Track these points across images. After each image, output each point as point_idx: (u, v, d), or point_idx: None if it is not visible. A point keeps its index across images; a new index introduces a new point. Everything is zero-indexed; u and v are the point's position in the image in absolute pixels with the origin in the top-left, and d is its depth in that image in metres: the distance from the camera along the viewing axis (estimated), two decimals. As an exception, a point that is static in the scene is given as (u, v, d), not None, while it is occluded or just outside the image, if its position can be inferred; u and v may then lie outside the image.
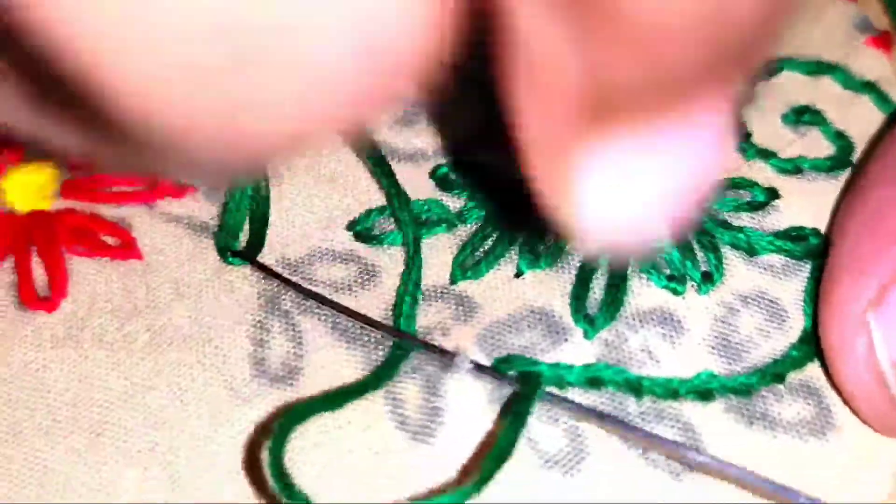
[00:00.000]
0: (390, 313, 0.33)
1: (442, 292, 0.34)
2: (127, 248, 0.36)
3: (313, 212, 0.36)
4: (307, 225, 0.36)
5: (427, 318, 0.33)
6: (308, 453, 0.31)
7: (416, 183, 0.37)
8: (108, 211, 0.36)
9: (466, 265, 0.34)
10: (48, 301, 0.35)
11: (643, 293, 0.34)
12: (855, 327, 0.30)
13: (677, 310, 0.33)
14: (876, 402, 0.30)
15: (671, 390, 0.32)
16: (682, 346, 0.33)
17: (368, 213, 0.36)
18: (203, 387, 0.32)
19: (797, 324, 0.34)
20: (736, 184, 0.36)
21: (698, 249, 0.35)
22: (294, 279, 0.34)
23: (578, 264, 0.34)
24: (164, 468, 0.31)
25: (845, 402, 0.31)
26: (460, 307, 0.33)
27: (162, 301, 0.34)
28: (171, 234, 0.36)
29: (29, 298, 0.35)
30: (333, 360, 0.32)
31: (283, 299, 0.34)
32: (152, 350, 0.33)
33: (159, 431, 0.32)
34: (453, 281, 0.34)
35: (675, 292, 0.33)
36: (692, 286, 0.34)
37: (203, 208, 0.36)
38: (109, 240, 0.36)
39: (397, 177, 0.37)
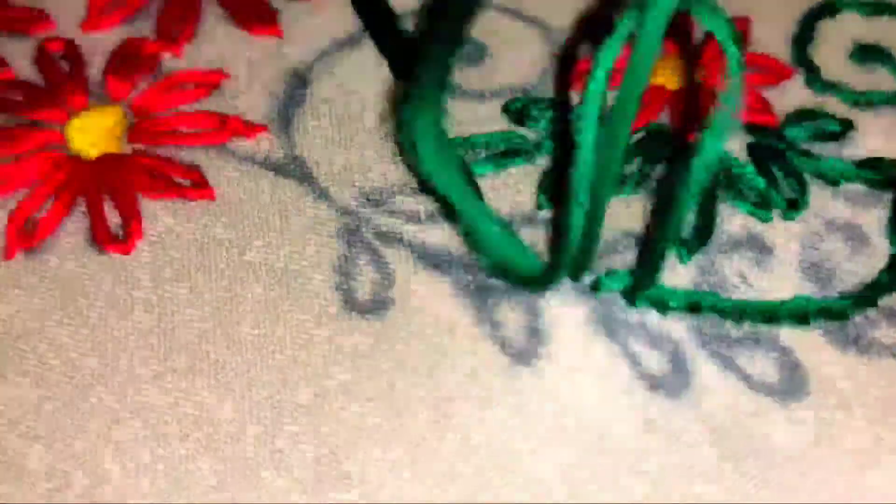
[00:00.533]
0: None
1: (530, 219, 0.33)
2: (200, 188, 0.34)
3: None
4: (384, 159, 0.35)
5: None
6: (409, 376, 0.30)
7: (487, 118, 0.36)
8: (179, 153, 0.35)
9: (551, 192, 0.33)
10: (124, 242, 0.33)
11: (731, 220, 0.33)
12: None
13: (766, 235, 0.33)
14: None
15: (769, 314, 0.31)
16: (774, 271, 0.32)
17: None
18: (291, 320, 0.31)
19: (882, 250, 0.33)
20: (810, 114, 0.36)
21: (782, 178, 0.34)
22: (376, 212, 0.33)
23: (663, 188, 0.34)
24: (258, 398, 0.30)
25: None
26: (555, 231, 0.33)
27: (240, 237, 0.33)
28: (244, 174, 0.35)
29: (104, 239, 0.34)
30: (422, 287, 0.32)
31: (365, 231, 0.33)
32: (235, 284, 0.32)
33: (252, 364, 0.31)
34: (540, 207, 0.33)
35: (762, 218, 0.33)
36: (778, 213, 0.33)
37: (275, 146, 0.35)
38: (182, 181, 0.35)
39: (465, 114, 0.36)
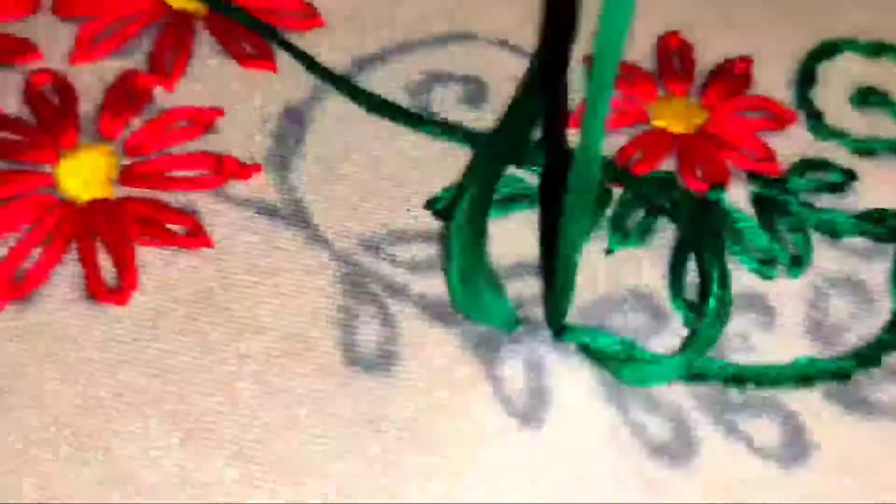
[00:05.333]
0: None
1: (534, 268, 0.31)
2: (195, 236, 0.32)
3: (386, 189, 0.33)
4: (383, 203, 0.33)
5: (517, 291, 0.31)
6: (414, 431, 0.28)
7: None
8: (172, 197, 0.33)
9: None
10: (118, 293, 0.31)
11: (735, 277, 0.32)
12: None
13: (769, 295, 0.31)
14: None
15: (772, 378, 0.30)
16: (777, 331, 0.31)
17: (447, 188, 0.33)
18: (292, 377, 0.29)
19: (885, 305, 0.32)
20: (813, 164, 0.34)
21: (786, 232, 0.32)
22: (376, 261, 0.31)
23: (672, 242, 0.32)
24: (257, 465, 0.28)
25: None
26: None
27: (239, 289, 0.31)
28: (241, 219, 0.32)
29: (98, 290, 0.31)
30: (428, 340, 0.30)
31: (368, 282, 0.31)
32: (233, 339, 0.30)
33: (249, 430, 0.29)
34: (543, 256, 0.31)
35: (766, 276, 0.31)
36: (782, 270, 0.32)
37: (271, 189, 0.33)
38: (177, 228, 0.32)
39: (465, 154, 0.34)
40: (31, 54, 0.36)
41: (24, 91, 0.35)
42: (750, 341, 0.30)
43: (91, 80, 0.35)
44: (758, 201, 0.33)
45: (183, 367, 0.29)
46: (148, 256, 0.32)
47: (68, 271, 0.31)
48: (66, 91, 0.35)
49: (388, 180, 0.33)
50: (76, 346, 0.30)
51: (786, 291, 0.31)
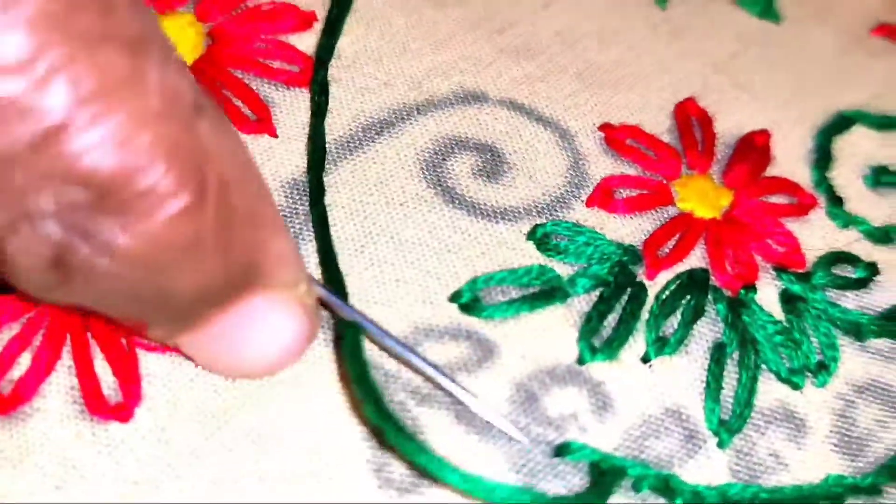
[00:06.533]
0: (515, 394, 0.29)
1: (572, 375, 0.30)
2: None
3: (408, 280, 0.31)
4: (404, 297, 0.30)
5: (558, 405, 0.29)
6: None
7: (510, 246, 0.32)
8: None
9: (595, 344, 0.30)
10: (119, 409, 0.28)
11: (765, 390, 0.31)
12: None
13: (798, 406, 0.31)
14: None
15: (803, 500, 0.29)
16: (807, 447, 0.30)
17: (473, 281, 0.31)
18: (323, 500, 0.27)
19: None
20: (838, 258, 0.34)
21: (812, 335, 0.32)
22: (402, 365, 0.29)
23: (708, 350, 0.31)
24: None
25: None
26: (596, 397, 0.29)
27: (255, 400, 0.28)
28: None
29: (97, 406, 0.28)
30: (465, 457, 0.28)
31: (395, 387, 0.29)
32: (257, 460, 0.28)
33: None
34: (582, 361, 0.30)
35: (795, 387, 0.31)
36: (809, 378, 0.31)
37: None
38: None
39: (485, 237, 0.32)
40: None
41: None
42: (781, 459, 0.30)
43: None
44: (786, 300, 0.32)
45: (197, 498, 0.27)
46: (152, 364, 0.29)
47: (58, 378, 0.28)
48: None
49: (410, 269, 0.31)
50: (75, 470, 0.27)
51: (814, 402, 0.31)
